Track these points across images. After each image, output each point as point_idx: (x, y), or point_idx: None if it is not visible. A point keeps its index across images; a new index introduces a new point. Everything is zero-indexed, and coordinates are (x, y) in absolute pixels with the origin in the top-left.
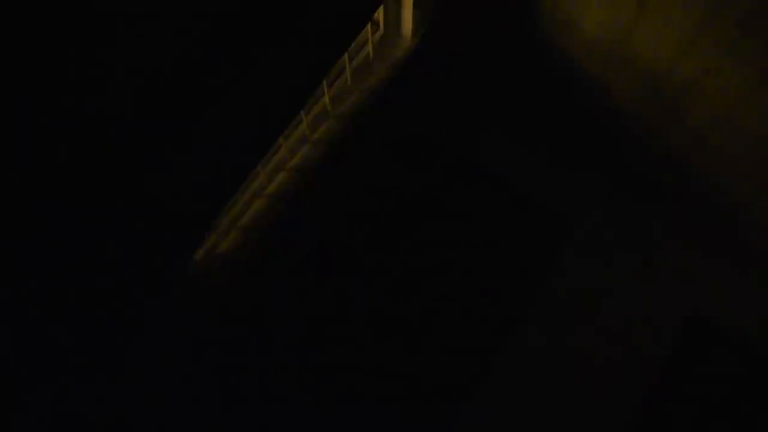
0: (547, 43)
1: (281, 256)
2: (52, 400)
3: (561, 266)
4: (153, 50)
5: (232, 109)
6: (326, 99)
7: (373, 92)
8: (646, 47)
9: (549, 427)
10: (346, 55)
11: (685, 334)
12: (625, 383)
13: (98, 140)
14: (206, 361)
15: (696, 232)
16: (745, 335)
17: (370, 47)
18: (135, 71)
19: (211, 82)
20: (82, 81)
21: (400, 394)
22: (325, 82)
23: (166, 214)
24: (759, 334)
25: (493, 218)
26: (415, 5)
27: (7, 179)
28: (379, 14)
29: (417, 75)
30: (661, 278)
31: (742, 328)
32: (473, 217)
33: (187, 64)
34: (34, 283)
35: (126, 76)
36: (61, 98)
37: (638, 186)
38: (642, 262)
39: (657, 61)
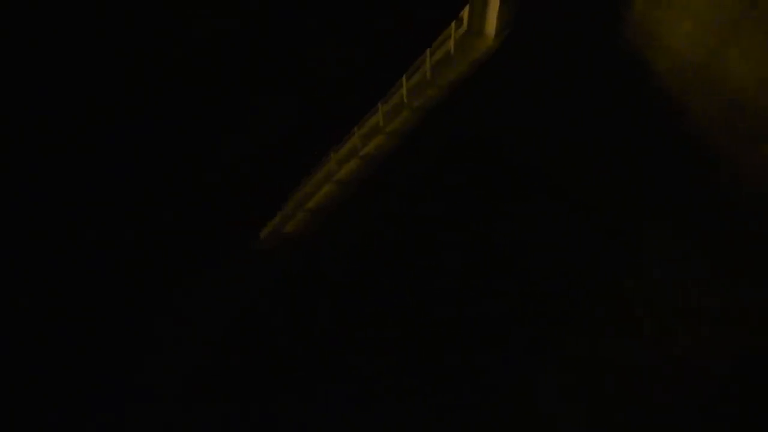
0: (631, 55)
1: (344, 242)
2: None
3: (619, 276)
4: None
5: (312, 90)
6: (403, 91)
7: (450, 89)
8: (733, 72)
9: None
10: (427, 49)
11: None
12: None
13: (176, 116)
14: (258, 339)
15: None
16: None
17: (451, 43)
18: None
19: (289, 68)
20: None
21: (445, 393)
22: (404, 74)
23: (240, 189)
24: None
25: (551, 226)
26: (502, 5)
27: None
28: (464, 11)
29: (496, 76)
30: (719, 307)
31: None
32: (532, 222)
33: (268, 50)
34: (92, 252)
35: (201, 54)
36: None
37: (704, 207)
38: (701, 281)
39: (742, 86)
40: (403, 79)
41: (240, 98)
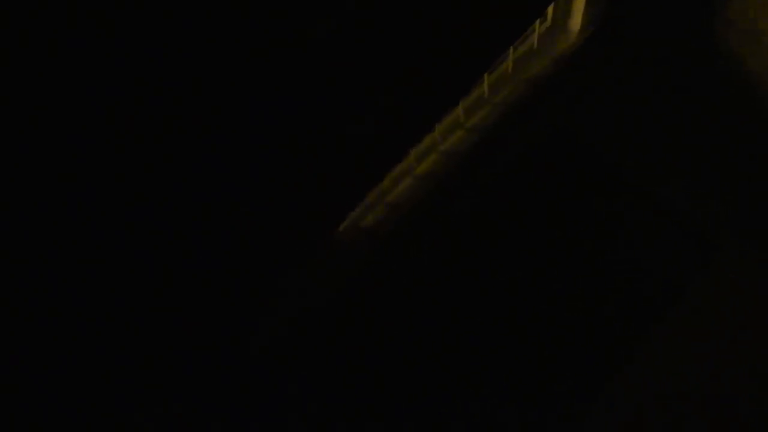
0: (725, 55)
1: (423, 237)
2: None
3: (697, 290)
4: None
5: (395, 85)
6: (485, 86)
7: (532, 84)
8: None
9: None
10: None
11: None
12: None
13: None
14: (327, 334)
15: None
16: None
17: (534, 39)
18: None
19: (370, 63)
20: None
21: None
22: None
23: (322, 181)
24: None
25: (631, 230)
26: (588, 1)
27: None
28: (549, 6)
29: (580, 73)
30: None
31: None
32: (614, 223)
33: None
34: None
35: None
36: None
37: None
38: None
39: None
40: (485, 74)
41: (325, 98)
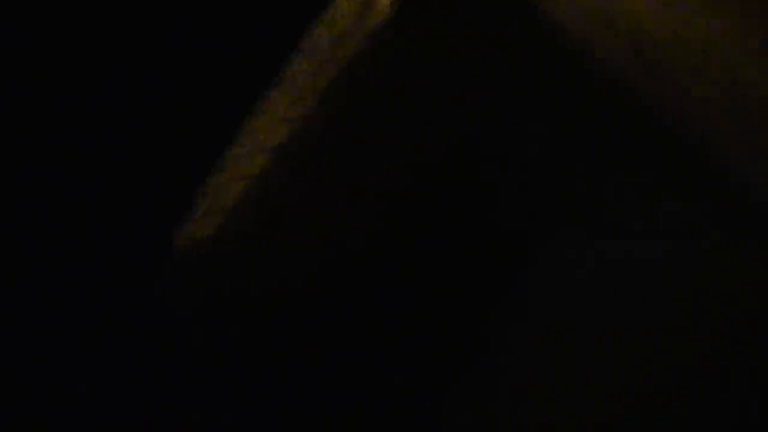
0: (535, 8)
1: (267, 244)
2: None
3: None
4: None
5: (204, 82)
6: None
7: (347, 67)
8: (626, 5)
9: None
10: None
11: None
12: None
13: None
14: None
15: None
16: None
17: (342, 19)
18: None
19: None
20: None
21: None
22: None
23: (144, 189)
24: None
25: (486, 197)
26: None
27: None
28: None
29: (396, 49)
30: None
31: None
32: (469, 199)
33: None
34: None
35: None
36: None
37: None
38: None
39: (637, 18)
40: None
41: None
